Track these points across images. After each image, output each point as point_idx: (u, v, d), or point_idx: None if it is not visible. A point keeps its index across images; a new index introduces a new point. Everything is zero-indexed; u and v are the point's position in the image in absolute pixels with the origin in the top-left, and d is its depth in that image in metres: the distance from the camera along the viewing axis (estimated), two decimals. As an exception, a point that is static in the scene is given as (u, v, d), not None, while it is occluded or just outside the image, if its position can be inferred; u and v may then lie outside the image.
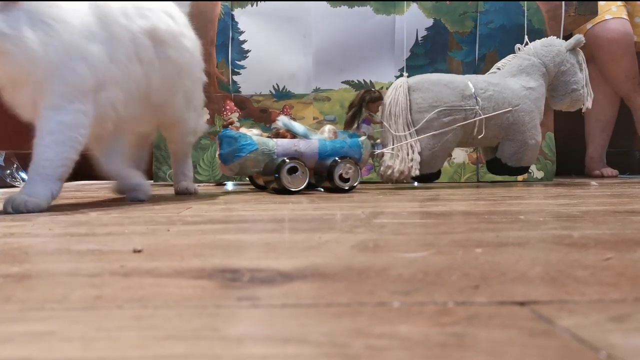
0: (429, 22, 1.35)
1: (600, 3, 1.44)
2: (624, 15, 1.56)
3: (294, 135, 1.02)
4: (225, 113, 1.35)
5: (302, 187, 0.95)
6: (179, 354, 0.18)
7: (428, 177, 1.10)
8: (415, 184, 1.22)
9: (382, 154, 1.08)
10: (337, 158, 0.97)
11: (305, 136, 1.02)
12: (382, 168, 1.08)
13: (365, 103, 1.07)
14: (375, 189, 1.09)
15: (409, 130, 1.06)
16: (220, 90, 1.37)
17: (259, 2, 1.34)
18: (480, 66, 1.37)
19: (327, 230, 0.47)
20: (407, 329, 0.21)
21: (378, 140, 1.10)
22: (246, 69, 1.36)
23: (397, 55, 1.35)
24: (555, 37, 1.18)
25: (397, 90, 1.08)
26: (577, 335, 0.20)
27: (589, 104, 1.17)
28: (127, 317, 0.22)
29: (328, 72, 1.35)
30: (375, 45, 1.34)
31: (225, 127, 1.00)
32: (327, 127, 1.06)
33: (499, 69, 1.17)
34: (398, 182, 1.08)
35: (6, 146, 1.36)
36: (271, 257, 0.35)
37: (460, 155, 1.38)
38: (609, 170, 1.64)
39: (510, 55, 1.18)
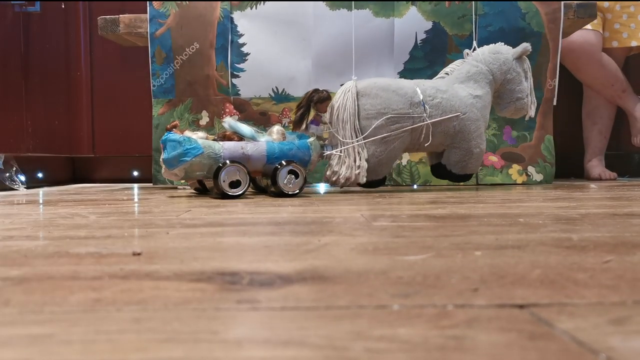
0: (428, 25, 1.35)
1: None
2: (590, 25, 1.58)
3: (241, 137, 0.99)
4: (224, 116, 1.35)
5: (242, 191, 0.92)
6: (178, 356, 0.18)
7: (373, 183, 1.08)
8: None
9: (331, 156, 1.06)
10: (283, 161, 0.94)
11: (252, 138, 0.98)
12: (328, 172, 1.07)
13: (313, 103, 1.05)
14: (375, 192, 1.09)
15: (357, 136, 1.04)
16: (219, 93, 1.37)
17: (258, 3, 1.35)
18: (479, 69, 1.37)
19: (326, 233, 0.47)
20: (407, 331, 0.21)
21: (327, 141, 1.07)
22: (245, 71, 1.36)
23: (396, 58, 1.35)
24: (503, 44, 1.16)
25: (345, 94, 1.06)
26: (577, 338, 0.20)
27: (531, 112, 1.16)
28: (126, 320, 0.22)
29: (327, 75, 1.36)
30: (374, 48, 1.34)
31: (169, 130, 0.96)
32: (276, 129, 1.03)
33: (447, 73, 1.16)
34: (343, 187, 1.06)
35: (5, 149, 1.36)
36: (270, 259, 0.35)
37: (459, 158, 1.38)
38: (608, 173, 1.65)
39: (459, 61, 1.17)
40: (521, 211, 0.65)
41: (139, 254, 0.37)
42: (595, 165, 1.69)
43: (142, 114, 1.60)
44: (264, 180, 0.99)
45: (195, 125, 1.35)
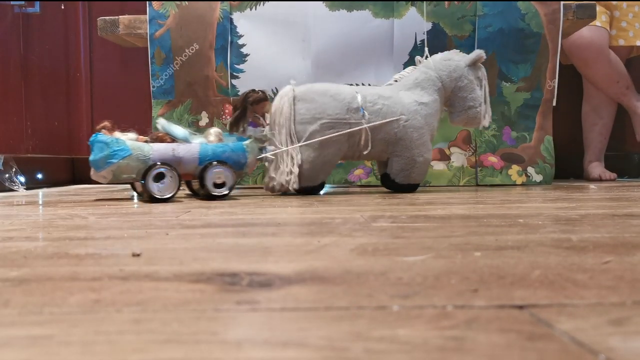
0: (428, 25, 1.35)
1: None
2: (598, 22, 1.58)
3: (174, 139, 0.96)
4: (224, 117, 1.35)
5: (172, 194, 0.89)
6: (178, 357, 0.18)
7: (310, 190, 1.06)
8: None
9: (268, 159, 1.04)
10: (214, 162, 0.91)
11: (185, 140, 0.96)
12: (265, 178, 1.06)
13: (249, 104, 1.02)
14: (375, 193, 1.09)
15: (292, 141, 1.02)
16: (219, 94, 1.37)
17: (258, 4, 1.35)
18: (478, 70, 1.37)
19: (326, 234, 0.47)
20: (406, 332, 0.21)
21: (266, 143, 1.05)
22: (245, 72, 1.36)
23: (395, 59, 1.35)
24: (458, 50, 1.14)
25: (282, 99, 1.05)
26: (576, 339, 0.20)
27: (486, 122, 1.12)
28: (126, 321, 0.22)
29: (327, 76, 1.36)
30: (374, 49, 1.35)
31: (98, 131, 0.93)
32: (213, 130, 1.00)
33: (396, 80, 1.14)
34: (281, 192, 1.04)
35: (5, 150, 1.36)
36: (270, 260, 0.35)
37: (459, 158, 1.39)
38: (607, 174, 1.65)
39: (410, 67, 1.14)
40: (521, 212, 0.65)
41: (138, 255, 0.37)
42: (595, 165, 1.69)
43: (142, 115, 1.60)
44: (196, 183, 0.96)
45: (195, 127, 1.35)
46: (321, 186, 1.08)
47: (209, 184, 0.91)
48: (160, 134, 0.97)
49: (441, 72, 1.10)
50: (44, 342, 0.20)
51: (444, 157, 1.39)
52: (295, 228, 0.52)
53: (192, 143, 0.96)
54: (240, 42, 1.36)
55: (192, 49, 1.35)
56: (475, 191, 1.14)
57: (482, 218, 0.59)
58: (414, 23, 1.35)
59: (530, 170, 1.40)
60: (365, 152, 1.05)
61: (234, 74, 1.37)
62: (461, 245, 0.40)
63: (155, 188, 0.88)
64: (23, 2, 1.47)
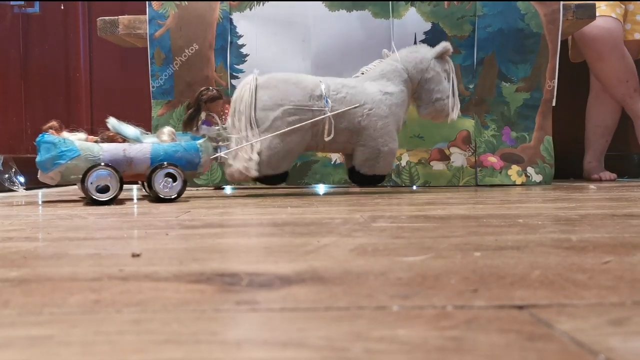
0: (427, 26, 1.35)
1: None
2: (614, 14, 1.55)
3: (125, 139, 0.94)
4: (224, 118, 1.35)
5: (112, 196, 0.86)
6: (178, 358, 0.18)
7: (272, 179, 1.04)
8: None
9: (222, 158, 1.02)
10: (165, 164, 0.90)
11: (136, 140, 0.94)
12: (227, 169, 1.04)
13: (203, 102, 1.01)
14: (374, 193, 1.09)
15: (252, 128, 1.01)
16: (219, 94, 1.37)
17: (258, 4, 1.35)
18: (478, 70, 1.37)
19: (325, 234, 0.47)
20: (406, 332, 0.21)
21: (221, 143, 1.04)
22: (245, 73, 1.36)
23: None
24: (426, 45, 1.15)
25: (244, 87, 1.04)
26: (576, 339, 0.20)
27: (454, 115, 1.11)
28: (126, 321, 0.22)
29: (327, 76, 1.36)
30: (374, 49, 1.35)
31: (45, 131, 0.91)
32: (166, 130, 0.99)
33: (363, 73, 1.14)
34: (242, 182, 1.02)
35: (4, 150, 1.36)
36: (270, 261, 0.35)
37: (458, 158, 1.39)
38: (607, 174, 1.65)
39: (377, 60, 1.15)
40: (520, 212, 0.65)
41: (138, 255, 0.37)
42: (595, 166, 1.69)
43: (142, 116, 1.60)
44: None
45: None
46: (284, 176, 1.07)
47: (157, 186, 0.89)
48: (111, 134, 0.95)
49: (407, 64, 1.10)
50: (43, 343, 0.20)
51: (444, 157, 1.39)
52: (294, 228, 0.52)
53: (144, 143, 0.94)
54: (239, 42, 1.36)
55: (192, 49, 1.35)
56: (475, 191, 1.14)
57: (481, 218, 0.59)
58: (413, 23, 1.35)
59: (530, 170, 1.40)
60: (327, 139, 1.03)
61: (234, 74, 1.37)
62: (461, 245, 0.40)
63: (93, 189, 0.86)
64: (22, 2, 1.47)
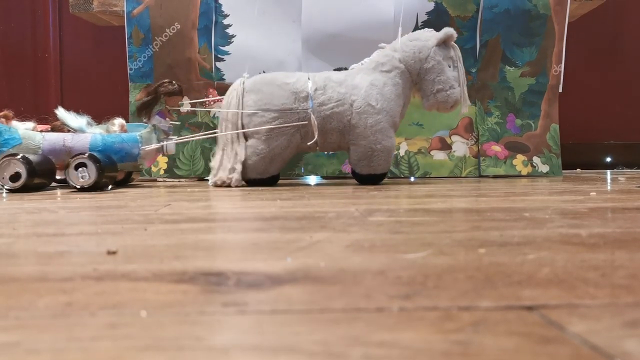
0: (430, 5, 1.35)
1: None
2: None
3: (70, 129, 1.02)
4: (208, 103, 1.34)
5: (20, 185, 0.92)
6: (159, 366, 0.18)
7: (260, 182, 1.07)
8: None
9: (168, 150, 1.07)
10: (82, 154, 0.95)
11: (80, 130, 1.01)
12: (211, 178, 1.08)
13: (161, 94, 1.06)
14: (370, 184, 1.09)
15: (237, 137, 1.06)
16: (202, 78, 1.36)
17: (244, -19, 1.33)
18: (482, 53, 1.37)
19: (318, 229, 0.47)
20: (408, 336, 0.20)
21: (171, 135, 1.10)
22: (230, 55, 1.35)
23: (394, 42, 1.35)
24: (428, 30, 1.12)
25: (231, 93, 1.08)
26: (590, 342, 0.20)
27: (464, 108, 1.09)
28: (101, 326, 0.22)
29: (319, 59, 1.35)
30: (371, 30, 1.34)
31: None
32: (117, 121, 1.06)
33: (362, 64, 1.13)
34: (223, 186, 1.06)
35: None
36: (259, 258, 0.35)
37: (461, 148, 1.39)
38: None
39: (376, 51, 1.14)
40: (526, 205, 0.66)
41: (114, 253, 0.37)
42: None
43: (118, 100, 1.58)
44: None
45: (175, 113, 1.33)
46: (274, 179, 1.11)
47: (71, 174, 0.95)
48: (58, 124, 1.02)
49: (405, 54, 1.08)
50: (9, 350, 0.19)
51: (445, 146, 1.39)
52: (285, 222, 0.51)
53: (85, 133, 1.01)
54: (225, 22, 1.34)
55: (173, 29, 1.33)
56: (478, 182, 1.15)
57: (485, 212, 0.59)
58: (415, 3, 1.34)
59: (535, 160, 1.40)
60: (309, 144, 1.06)
61: (219, 56, 1.35)
62: (464, 241, 0.40)
63: (7, 179, 0.92)
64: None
